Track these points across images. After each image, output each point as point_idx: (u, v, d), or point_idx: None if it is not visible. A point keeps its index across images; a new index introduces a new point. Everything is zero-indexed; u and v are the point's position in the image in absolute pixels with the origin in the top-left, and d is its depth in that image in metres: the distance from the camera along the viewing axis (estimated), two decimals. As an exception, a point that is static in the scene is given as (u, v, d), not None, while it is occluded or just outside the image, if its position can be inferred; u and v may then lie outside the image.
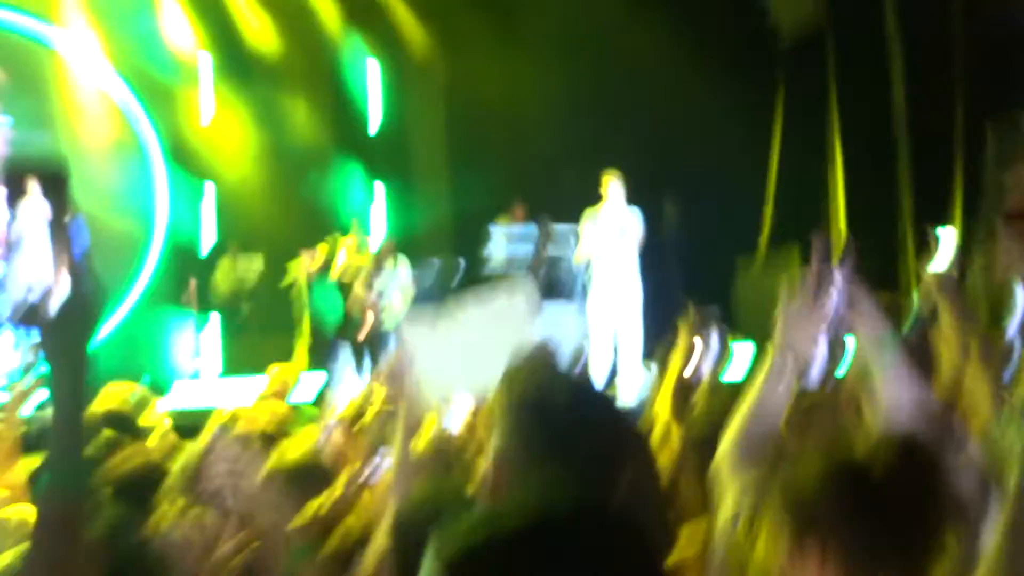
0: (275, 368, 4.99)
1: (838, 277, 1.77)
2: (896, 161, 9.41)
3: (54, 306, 1.18)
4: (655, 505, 1.91)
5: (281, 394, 4.60)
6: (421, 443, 2.52)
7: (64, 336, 1.18)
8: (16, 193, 1.21)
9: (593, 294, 7.45)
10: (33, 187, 1.20)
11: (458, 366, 2.25)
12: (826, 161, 9.78)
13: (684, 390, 2.87)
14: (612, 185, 7.32)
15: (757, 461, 1.65)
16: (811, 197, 9.85)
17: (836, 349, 2.35)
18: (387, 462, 2.87)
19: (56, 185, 1.21)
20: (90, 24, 10.11)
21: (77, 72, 10.20)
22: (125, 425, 2.82)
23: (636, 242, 7.37)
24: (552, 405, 1.40)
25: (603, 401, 1.49)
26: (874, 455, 1.33)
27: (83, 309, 1.20)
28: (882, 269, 8.08)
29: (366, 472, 2.72)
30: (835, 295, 1.77)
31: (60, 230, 1.20)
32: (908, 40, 9.11)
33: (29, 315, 1.19)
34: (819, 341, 1.78)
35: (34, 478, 1.14)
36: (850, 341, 2.05)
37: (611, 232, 7.33)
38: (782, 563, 1.30)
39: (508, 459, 1.40)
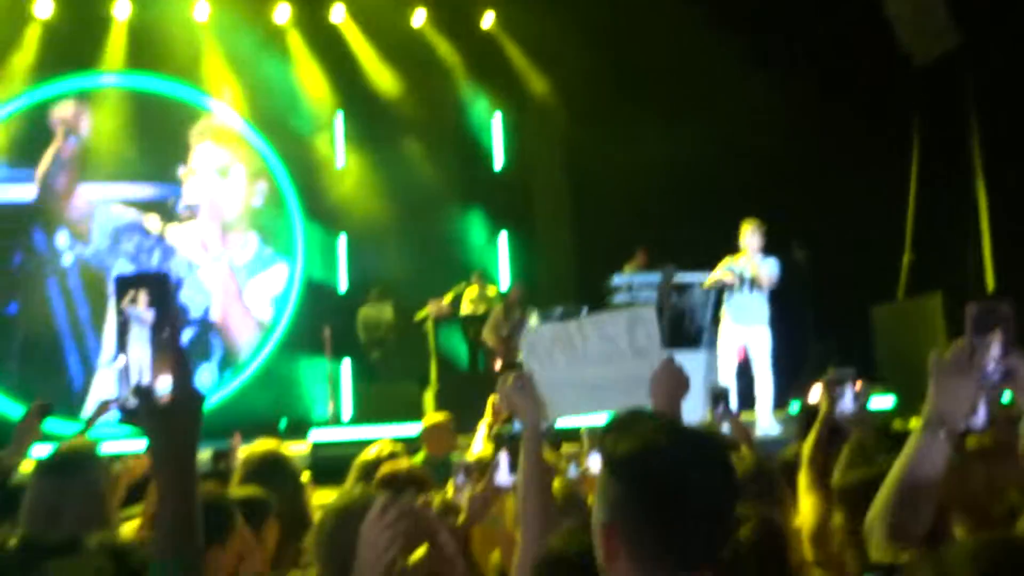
0: (432, 419, 5.02)
1: (995, 347, 1.66)
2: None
3: (156, 409, 1.20)
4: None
5: (437, 445, 4.60)
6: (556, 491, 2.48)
7: (168, 440, 1.20)
8: (125, 302, 1.24)
9: (724, 339, 7.31)
10: (141, 295, 1.24)
11: (577, 392, 2.19)
12: (969, 200, 9.30)
13: (825, 449, 2.78)
14: (749, 233, 7.20)
15: (910, 537, 1.55)
16: (953, 239, 9.37)
17: (992, 412, 2.20)
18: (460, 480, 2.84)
19: (162, 294, 1.25)
20: (234, 87, 10.86)
21: (225, 129, 10.95)
22: (281, 472, 2.91)
23: (768, 289, 7.20)
24: (655, 459, 1.36)
25: (712, 450, 1.41)
26: None
27: (185, 414, 1.21)
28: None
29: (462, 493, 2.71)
30: (991, 365, 1.66)
31: (164, 337, 1.22)
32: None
33: (132, 416, 1.22)
34: (973, 410, 1.67)
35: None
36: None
37: (746, 278, 7.21)
38: None
39: (615, 519, 1.38)
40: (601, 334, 2.22)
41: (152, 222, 10.62)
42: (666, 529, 1.35)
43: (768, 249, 7.40)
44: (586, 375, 2.21)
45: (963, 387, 1.68)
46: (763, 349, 7.16)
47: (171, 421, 1.21)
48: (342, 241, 11.15)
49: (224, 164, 10.91)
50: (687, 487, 1.36)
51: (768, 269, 7.16)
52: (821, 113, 8.97)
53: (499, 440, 2.66)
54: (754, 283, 7.15)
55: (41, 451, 3.88)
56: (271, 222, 11.04)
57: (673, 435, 1.40)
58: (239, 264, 10.89)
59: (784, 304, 8.35)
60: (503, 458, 2.56)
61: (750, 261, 7.19)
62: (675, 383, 2.03)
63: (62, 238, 10.46)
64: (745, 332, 7.20)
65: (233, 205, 10.92)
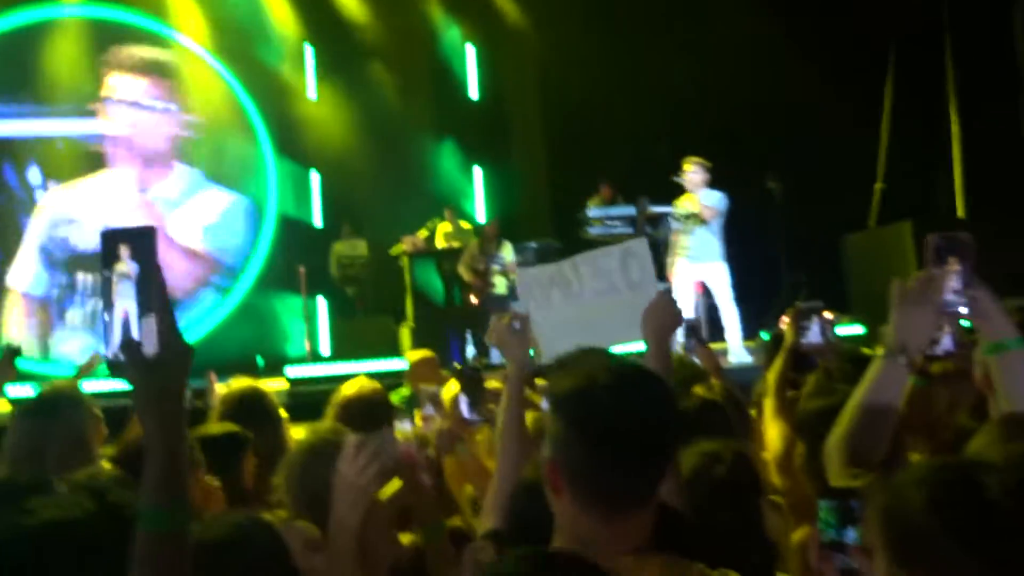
0: (417, 355, 5.01)
1: (954, 277, 1.70)
2: (1019, 127, 8.91)
3: (144, 363, 1.20)
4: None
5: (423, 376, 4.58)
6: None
7: (156, 393, 1.20)
8: (110, 257, 1.23)
9: (678, 276, 7.34)
10: (123, 251, 1.23)
11: (573, 330, 2.18)
12: (942, 128, 9.34)
13: (788, 379, 2.85)
14: (690, 172, 7.21)
15: (867, 463, 1.60)
16: (924, 169, 9.44)
17: (955, 338, 2.26)
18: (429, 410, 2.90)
19: (145, 247, 1.24)
20: (201, 20, 10.59)
21: (194, 61, 10.69)
22: (260, 409, 2.93)
23: (715, 222, 7.21)
24: (595, 395, 1.36)
25: (654, 388, 1.41)
26: (992, 472, 1.20)
27: (173, 367, 1.21)
28: (1006, 244, 7.68)
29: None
30: (952, 296, 1.70)
31: (148, 291, 1.22)
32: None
33: (120, 370, 1.21)
34: (934, 338, 1.71)
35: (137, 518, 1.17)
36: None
37: (692, 215, 7.23)
38: None
39: (557, 456, 1.39)
40: (595, 270, 2.22)
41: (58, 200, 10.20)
42: (603, 467, 1.35)
43: (741, 180, 7.40)
44: (584, 312, 2.21)
45: (923, 316, 1.71)
46: (721, 283, 7.21)
47: (159, 374, 1.21)
48: (315, 176, 11.04)
49: (142, 95, 10.47)
50: (625, 426, 1.35)
51: (709, 202, 7.18)
52: (796, 43, 8.90)
53: (458, 374, 2.69)
54: (701, 220, 7.18)
55: (15, 391, 3.88)
56: (213, 153, 10.68)
57: (615, 373, 1.39)
58: (169, 197, 10.52)
59: (757, 234, 8.41)
60: (462, 397, 2.61)
61: (694, 199, 7.23)
62: (666, 316, 1.99)
63: (34, 174, 10.26)
64: (699, 269, 7.24)
65: (154, 137, 10.50)
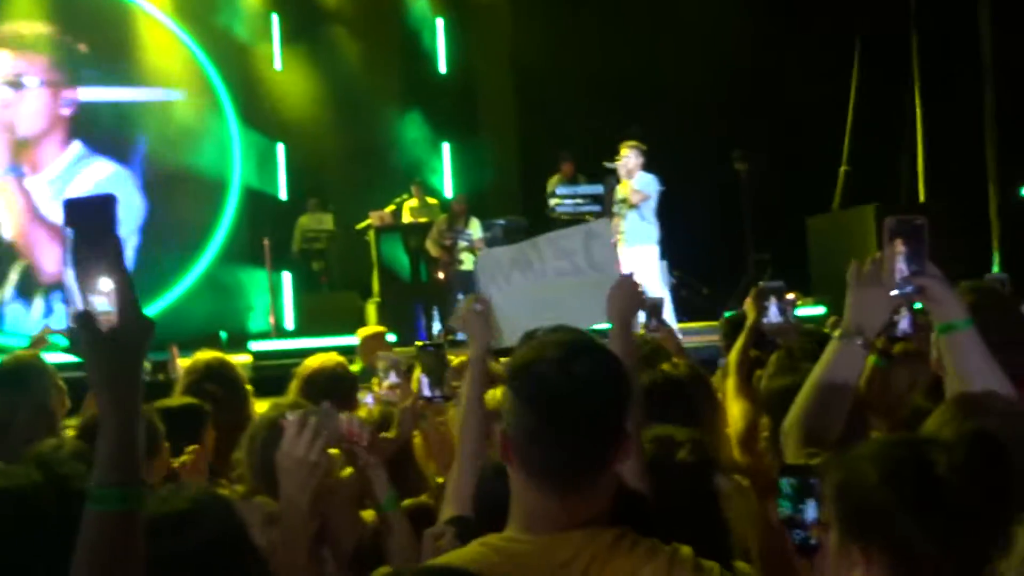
0: (367, 331, 4.99)
1: (901, 259, 1.70)
2: (982, 115, 9.05)
3: (99, 336, 1.14)
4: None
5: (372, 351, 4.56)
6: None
7: (111, 370, 1.15)
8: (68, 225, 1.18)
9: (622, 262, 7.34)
10: (79, 218, 1.18)
11: (534, 311, 2.18)
12: (905, 116, 9.46)
13: (751, 361, 2.88)
14: (625, 157, 7.24)
15: (822, 442, 1.62)
16: (889, 155, 9.56)
17: (913, 319, 2.30)
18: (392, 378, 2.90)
19: (94, 217, 1.18)
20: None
21: (158, 30, 10.45)
22: (226, 379, 2.90)
23: (649, 206, 7.25)
24: (543, 368, 1.37)
25: (606, 365, 1.40)
26: (942, 450, 1.24)
27: (131, 342, 1.16)
28: (965, 228, 7.82)
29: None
30: (899, 277, 1.72)
31: (93, 260, 1.15)
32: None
33: (74, 343, 1.16)
34: (887, 320, 1.73)
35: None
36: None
37: (624, 200, 7.28)
38: (830, 558, 1.25)
39: (508, 429, 1.40)
40: (557, 251, 2.21)
41: None
42: (548, 439, 1.36)
43: (710, 160, 7.43)
44: (546, 292, 2.20)
45: (878, 298, 1.73)
46: (651, 267, 7.26)
47: (115, 349, 1.16)
48: (280, 148, 10.89)
49: (17, 73, 9.98)
50: (570, 399, 1.35)
51: (639, 185, 7.21)
52: (766, 26, 8.94)
53: (419, 352, 2.68)
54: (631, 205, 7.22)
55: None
56: (174, 124, 10.34)
57: (564, 347, 1.39)
58: (50, 178, 10.06)
59: (724, 213, 8.47)
60: (422, 376, 2.61)
61: (626, 184, 7.27)
62: (630, 298, 1.99)
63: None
64: (634, 253, 7.28)
65: (30, 118, 10.04)
